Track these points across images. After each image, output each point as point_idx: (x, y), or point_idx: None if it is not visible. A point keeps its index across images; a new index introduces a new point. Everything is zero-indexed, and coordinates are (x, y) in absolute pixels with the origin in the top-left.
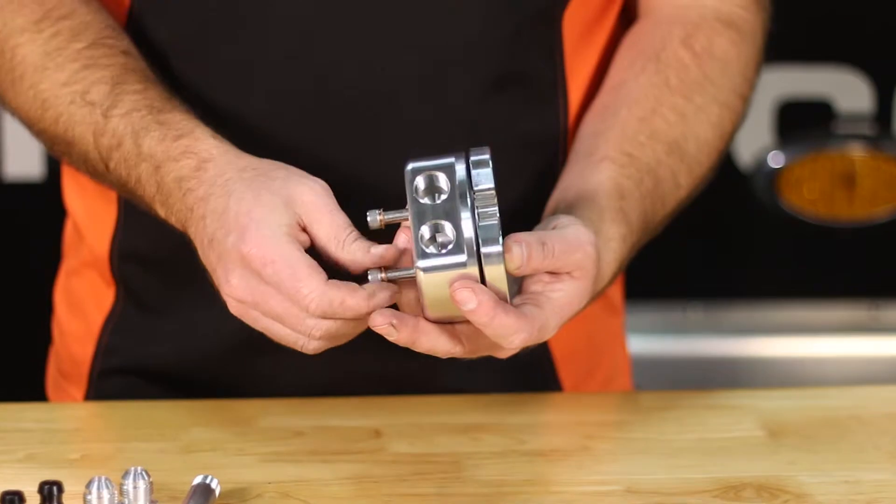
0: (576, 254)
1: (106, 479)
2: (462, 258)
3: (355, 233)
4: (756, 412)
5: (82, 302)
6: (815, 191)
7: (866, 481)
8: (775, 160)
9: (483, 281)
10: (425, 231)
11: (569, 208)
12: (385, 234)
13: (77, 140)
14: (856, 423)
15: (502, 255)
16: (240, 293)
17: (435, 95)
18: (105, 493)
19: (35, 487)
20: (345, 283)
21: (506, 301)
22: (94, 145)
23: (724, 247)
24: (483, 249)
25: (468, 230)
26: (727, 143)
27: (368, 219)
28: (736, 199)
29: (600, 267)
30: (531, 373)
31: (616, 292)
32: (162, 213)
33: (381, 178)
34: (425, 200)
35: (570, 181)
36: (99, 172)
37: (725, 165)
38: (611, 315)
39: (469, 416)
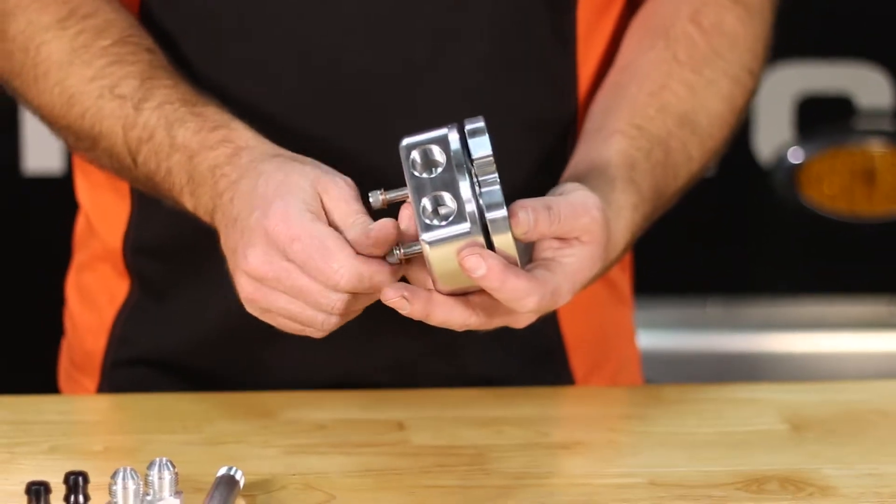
0: (582, 218)
1: (131, 469)
2: (466, 226)
3: (364, 217)
4: (778, 405)
5: (94, 295)
6: (834, 186)
7: (891, 474)
8: (795, 156)
9: (491, 248)
10: (427, 204)
11: (579, 180)
12: (392, 215)
13: (105, 134)
14: (879, 416)
15: (507, 220)
16: (259, 269)
17: (446, 79)
18: (130, 484)
19: (59, 479)
20: (372, 258)
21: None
22: (123, 139)
23: (743, 242)
24: (488, 216)
25: (469, 198)
26: (738, 117)
27: (371, 199)
28: (756, 195)
29: (611, 233)
30: (545, 361)
31: (624, 282)
32: (190, 204)
33: (394, 163)
34: (423, 175)
35: (580, 156)
36: (125, 167)
37: (745, 161)
38: (619, 304)
39: (492, 409)
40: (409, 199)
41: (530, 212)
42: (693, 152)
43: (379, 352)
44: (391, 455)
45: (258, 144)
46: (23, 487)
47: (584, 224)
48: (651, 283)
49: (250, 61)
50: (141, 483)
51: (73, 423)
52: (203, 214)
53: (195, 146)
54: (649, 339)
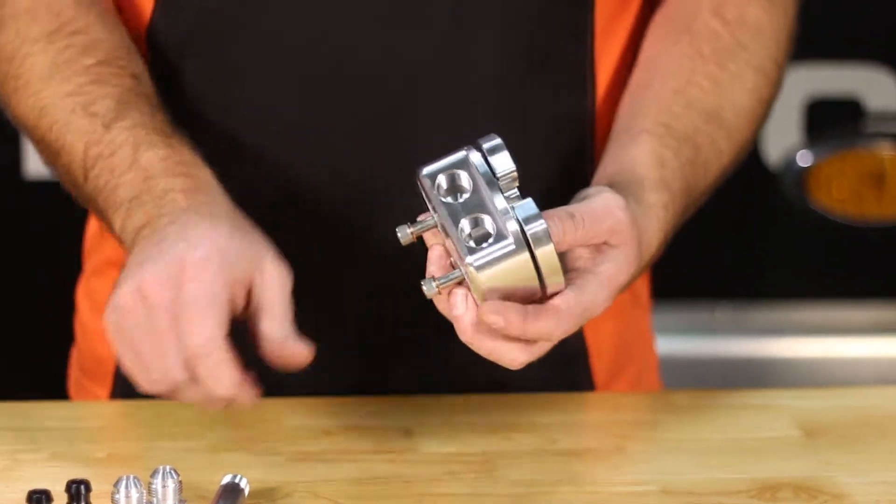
0: (606, 220)
1: (134, 478)
2: (509, 243)
3: (290, 322)
4: (791, 412)
5: (106, 301)
6: (843, 190)
7: None
8: (804, 159)
9: (535, 260)
10: (465, 227)
11: (607, 183)
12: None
13: (65, 149)
14: (893, 423)
15: (548, 232)
16: (149, 286)
17: (460, 78)
18: (133, 493)
19: (62, 486)
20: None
21: (561, 278)
22: (82, 155)
23: (752, 246)
24: (528, 229)
25: (508, 215)
26: (766, 109)
27: (399, 235)
28: (764, 198)
29: (641, 233)
30: (568, 367)
31: (642, 286)
32: (118, 222)
33: (408, 164)
34: (451, 200)
35: (608, 159)
36: (76, 184)
37: (754, 164)
38: (637, 309)
39: (501, 416)
40: (439, 228)
41: (556, 221)
42: (722, 147)
43: (395, 367)
44: (398, 462)
45: (220, 193)
46: (24, 495)
47: (609, 226)
48: (659, 287)
49: (257, 68)
50: (144, 492)
51: (76, 430)
52: (125, 234)
53: (156, 170)
54: (658, 344)
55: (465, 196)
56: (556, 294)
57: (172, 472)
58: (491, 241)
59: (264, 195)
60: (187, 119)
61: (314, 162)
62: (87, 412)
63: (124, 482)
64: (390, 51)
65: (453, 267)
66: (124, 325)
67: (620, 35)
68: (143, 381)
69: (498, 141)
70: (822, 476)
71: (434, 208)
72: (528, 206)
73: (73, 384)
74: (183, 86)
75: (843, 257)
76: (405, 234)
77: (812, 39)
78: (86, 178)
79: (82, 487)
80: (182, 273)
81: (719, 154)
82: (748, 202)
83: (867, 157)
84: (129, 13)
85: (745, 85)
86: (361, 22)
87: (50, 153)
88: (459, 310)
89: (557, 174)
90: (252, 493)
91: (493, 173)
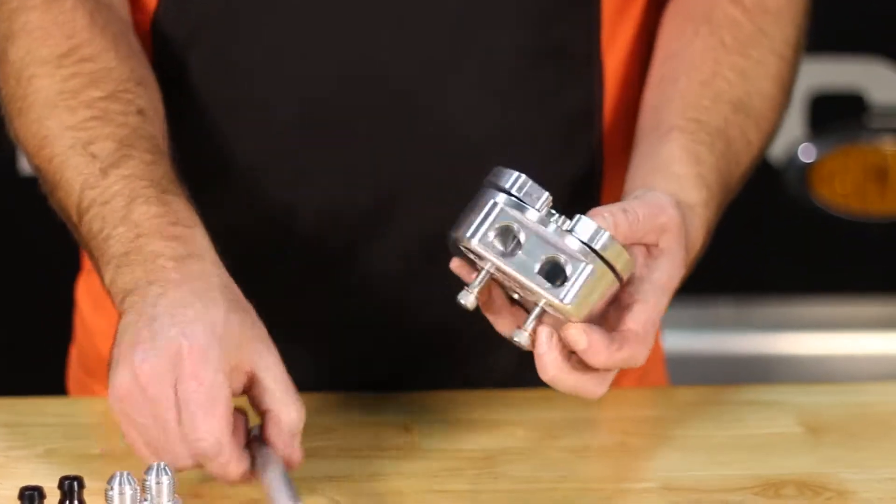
0: (660, 217)
1: (128, 474)
2: (586, 265)
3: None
4: (795, 408)
5: (106, 298)
6: (847, 185)
7: None
8: (807, 154)
9: (609, 264)
10: (538, 270)
11: (644, 182)
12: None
13: (62, 185)
14: None
15: (612, 237)
16: (148, 378)
17: (470, 73)
18: (127, 489)
19: (55, 483)
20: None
21: (627, 256)
22: (78, 196)
23: (755, 242)
24: (595, 244)
25: (564, 237)
26: (788, 95)
27: (464, 303)
28: (767, 194)
29: (688, 232)
30: None
31: None
32: (108, 276)
33: (415, 158)
34: (511, 252)
35: (641, 159)
36: (71, 223)
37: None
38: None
39: (501, 412)
40: (500, 278)
41: (608, 216)
42: (751, 137)
43: (397, 368)
44: (399, 459)
45: (214, 262)
46: (17, 492)
47: (662, 223)
48: None
49: (261, 64)
50: (138, 488)
51: (71, 426)
52: (114, 290)
53: (147, 229)
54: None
55: (519, 243)
56: (629, 279)
57: (166, 468)
58: (569, 271)
59: (265, 190)
60: (189, 113)
61: (316, 158)
62: (81, 408)
63: (118, 479)
64: (403, 47)
65: (511, 297)
66: (128, 412)
67: (628, 29)
68: (153, 461)
69: (518, 175)
70: (826, 472)
71: (496, 266)
72: (583, 221)
73: (72, 381)
74: (186, 79)
75: (846, 253)
76: (469, 299)
77: (815, 33)
78: (80, 220)
79: (75, 484)
80: (179, 366)
81: (749, 144)
82: (751, 197)
83: (870, 152)
84: (135, 6)
85: (769, 72)
86: (374, 20)
87: (48, 184)
88: (543, 348)
89: (564, 167)
90: (249, 491)
91: (527, 205)
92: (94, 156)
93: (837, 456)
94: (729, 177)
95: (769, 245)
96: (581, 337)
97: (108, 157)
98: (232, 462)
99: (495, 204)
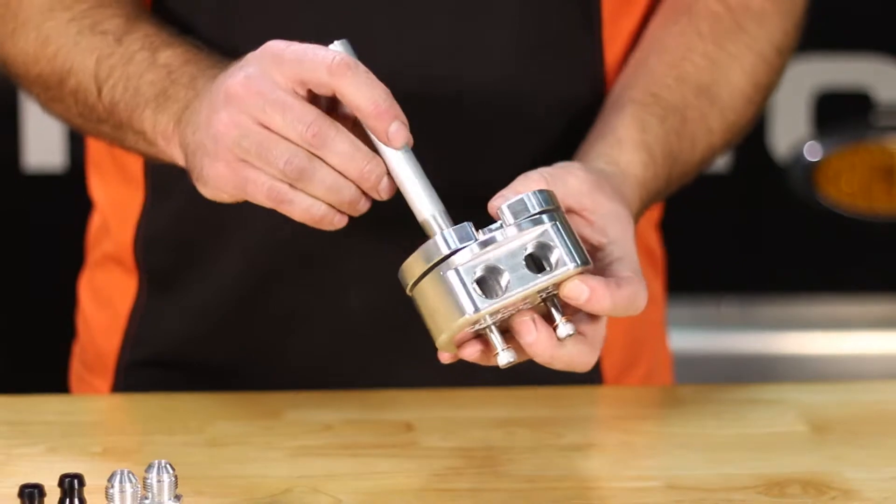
0: (567, 178)
1: (129, 472)
2: (550, 224)
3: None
4: (798, 406)
5: (108, 294)
6: (853, 183)
7: None
8: (812, 152)
9: (560, 207)
10: (530, 268)
11: (589, 147)
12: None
13: (74, 70)
14: None
15: (534, 192)
16: (239, 86)
17: (472, 64)
18: (128, 487)
19: (56, 481)
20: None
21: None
22: (94, 70)
23: (759, 240)
24: (535, 210)
25: (522, 228)
26: (764, 95)
27: (508, 360)
28: (772, 192)
29: (612, 182)
30: None
31: (656, 283)
32: (149, 122)
33: (414, 151)
34: (502, 282)
35: (594, 128)
36: (88, 104)
37: (761, 157)
38: (651, 304)
39: (503, 410)
40: (526, 297)
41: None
42: (713, 125)
43: (401, 360)
44: (400, 457)
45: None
46: (17, 490)
47: (572, 185)
48: (665, 281)
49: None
50: (139, 486)
51: (72, 424)
52: (161, 126)
53: (178, 62)
54: None
55: (499, 269)
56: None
57: (168, 466)
58: (549, 241)
59: None
60: None
61: None
62: (83, 406)
63: (118, 476)
64: (403, 37)
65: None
66: (240, 108)
67: (629, 22)
68: (263, 176)
69: (436, 239)
70: (830, 471)
71: (502, 306)
72: (508, 208)
73: (74, 378)
74: None
75: (851, 251)
76: (511, 354)
77: (821, 31)
78: (99, 92)
79: (75, 482)
80: (263, 63)
81: (709, 131)
82: (755, 195)
83: (876, 151)
84: None
85: (744, 67)
86: (374, 9)
87: (54, 83)
88: (532, 335)
89: (563, 158)
90: (250, 489)
91: (466, 244)
92: (105, 32)
93: (842, 455)
94: (679, 153)
95: (774, 244)
96: (580, 287)
97: (118, 30)
98: (342, 134)
99: (455, 272)
